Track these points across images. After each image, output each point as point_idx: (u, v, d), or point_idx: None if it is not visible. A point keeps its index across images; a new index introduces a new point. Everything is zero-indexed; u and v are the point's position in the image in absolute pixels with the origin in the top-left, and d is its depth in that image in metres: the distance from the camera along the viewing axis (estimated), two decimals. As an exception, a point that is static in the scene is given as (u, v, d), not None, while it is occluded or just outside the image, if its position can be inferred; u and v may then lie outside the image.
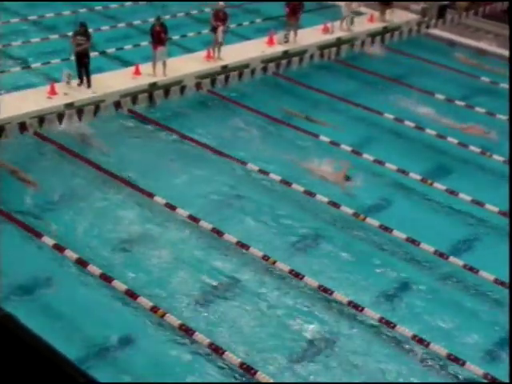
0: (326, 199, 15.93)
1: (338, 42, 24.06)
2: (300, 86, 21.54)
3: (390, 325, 12.62)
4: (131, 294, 12.73)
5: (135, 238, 14.41)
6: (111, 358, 11.65)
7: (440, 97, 21.49)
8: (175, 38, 22.58)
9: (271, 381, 11.27)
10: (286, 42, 22.87)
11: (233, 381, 11.40)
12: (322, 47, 23.59)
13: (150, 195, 15.60)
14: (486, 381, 11.75)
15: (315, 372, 11.77)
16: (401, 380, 11.72)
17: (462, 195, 16.52)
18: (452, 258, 14.41)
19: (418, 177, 17.19)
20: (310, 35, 23.65)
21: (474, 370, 11.90)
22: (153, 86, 19.84)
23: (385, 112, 20.15)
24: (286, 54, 22.65)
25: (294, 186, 16.38)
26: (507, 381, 11.67)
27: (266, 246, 14.36)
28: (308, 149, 18.18)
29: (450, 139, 19.02)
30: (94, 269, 13.25)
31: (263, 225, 15.10)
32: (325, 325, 12.71)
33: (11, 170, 16.03)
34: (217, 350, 11.76)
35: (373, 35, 25.09)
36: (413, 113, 20.34)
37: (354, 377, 11.74)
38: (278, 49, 22.62)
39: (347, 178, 16.36)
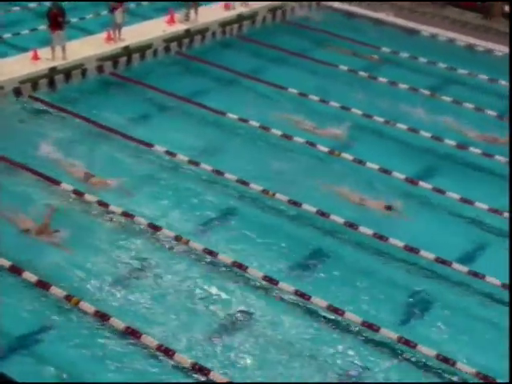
0: (234, 177, 15.94)
1: (240, 19, 23.98)
2: (204, 64, 21.40)
3: (305, 297, 12.80)
4: (43, 285, 12.49)
5: (42, 225, 14.08)
6: (28, 350, 11.41)
7: (343, 68, 21.74)
8: (73, 20, 22.08)
9: (189, 361, 11.28)
10: (187, 20, 22.68)
11: (152, 362, 11.34)
12: (224, 24, 23.49)
13: (56, 182, 15.30)
14: (400, 344, 12.04)
15: (235, 347, 11.81)
16: (317, 349, 11.93)
17: (369, 164, 16.85)
18: (362, 228, 14.67)
19: (326, 149, 17.41)
20: (211, 12, 23.49)
21: (388, 334, 12.19)
22: (53, 71, 19.37)
23: (289, 87, 20.24)
24: (188, 33, 22.45)
25: (203, 165, 16.32)
26: (417, 342, 12.00)
27: (177, 227, 14.32)
28: (214, 124, 18.20)
29: (354, 110, 19.31)
30: (2, 260, 12.95)
31: (173, 205, 15.02)
32: (241, 300, 12.76)
33: None
34: (134, 333, 11.69)
35: (274, 10, 25.11)
36: (318, 86, 20.54)
37: (273, 349, 11.84)
38: (180, 27, 22.41)
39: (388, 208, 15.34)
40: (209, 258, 13.57)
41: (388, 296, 13.17)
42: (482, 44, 24.02)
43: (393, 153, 17.62)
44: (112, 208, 14.63)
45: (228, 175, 16.00)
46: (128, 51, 20.90)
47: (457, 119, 18.97)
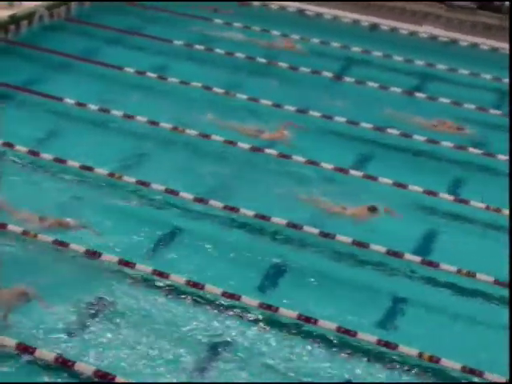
0: (77, 164, 15.51)
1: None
2: (34, 50, 20.70)
3: (164, 275, 12.72)
4: None
5: None
6: None
7: (178, 43, 21.59)
8: None
9: (52, 355, 10.96)
10: (11, 5, 21.81)
11: (13, 362, 10.90)
12: (51, 7, 22.73)
13: None
14: (262, 309, 12.21)
15: (99, 335, 11.58)
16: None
17: (214, 136, 16.82)
18: (212, 201, 14.68)
19: (169, 125, 17.25)
20: (36, -4, 22.72)
21: (248, 301, 12.33)
22: None
23: (125, 67, 19.92)
24: (14, 18, 21.54)
25: (43, 155, 15.74)
26: (278, 305, 12.18)
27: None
28: (52, 111, 17.68)
29: (194, 84, 19.24)
30: None
31: (17, 198, 14.40)
32: (99, 288, 12.52)
33: None
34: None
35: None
36: (153, 63, 20.36)
37: (138, 331, 11.70)
38: (3, 13, 21.47)
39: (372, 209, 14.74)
40: (59, 249, 13.18)
41: (245, 263, 13.34)
42: (311, 9, 24.51)
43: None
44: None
45: (71, 162, 15.57)
46: (-50, 43, 19.89)
47: (297, 86, 19.48)
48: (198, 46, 21.52)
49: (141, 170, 15.72)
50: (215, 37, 22.28)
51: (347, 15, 24.11)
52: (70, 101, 18.02)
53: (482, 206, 15.07)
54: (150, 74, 19.72)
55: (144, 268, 12.85)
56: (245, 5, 24.70)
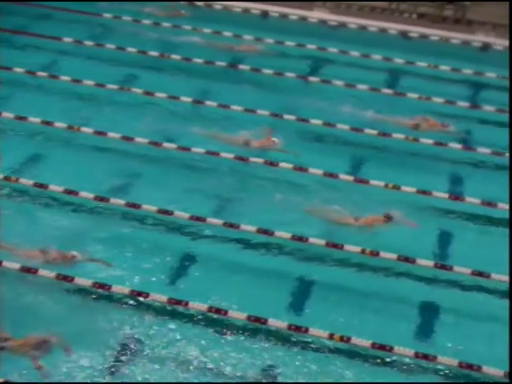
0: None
1: None
2: None
3: (68, 279, 12.54)
4: None
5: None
6: None
7: (67, 40, 21.15)
8: None
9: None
10: None
11: None
12: None
13: None
14: (172, 305, 12.18)
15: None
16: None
17: (111, 134, 16.62)
18: (114, 199, 14.55)
19: (64, 125, 16.91)
20: None
21: (157, 297, 12.32)
22: None
23: (14, 66, 19.35)
24: None
25: None
26: (188, 300, 12.18)
27: None
28: None
29: (86, 81, 18.90)
30: None
31: None
32: (22, 297, 12.25)
33: None
34: None
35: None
36: (43, 61, 19.92)
37: (69, 338, 11.43)
38: None
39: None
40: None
41: (153, 261, 13.24)
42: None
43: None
44: None
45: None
46: None
47: (192, 77, 19.52)
48: (87, 43, 21.12)
49: (38, 172, 15.37)
50: (105, 32, 21.96)
51: (238, 4, 24.08)
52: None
53: (381, 184, 15.38)
54: (41, 73, 19.28)
55: (48, 273, 12.63)
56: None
